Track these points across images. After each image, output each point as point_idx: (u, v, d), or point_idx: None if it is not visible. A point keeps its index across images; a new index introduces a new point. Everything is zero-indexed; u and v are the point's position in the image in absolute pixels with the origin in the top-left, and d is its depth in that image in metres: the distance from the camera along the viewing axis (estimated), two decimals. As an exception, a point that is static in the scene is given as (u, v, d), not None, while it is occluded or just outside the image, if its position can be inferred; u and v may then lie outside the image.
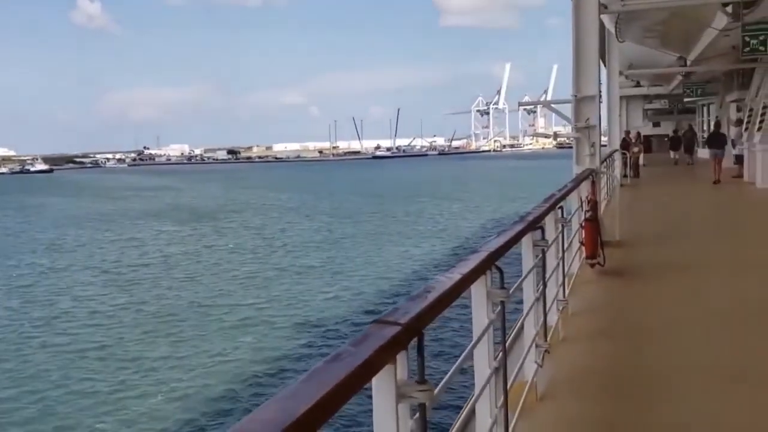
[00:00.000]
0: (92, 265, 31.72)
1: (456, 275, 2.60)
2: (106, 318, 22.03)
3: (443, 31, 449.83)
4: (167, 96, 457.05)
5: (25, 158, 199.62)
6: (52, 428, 14.00)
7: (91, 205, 66.47)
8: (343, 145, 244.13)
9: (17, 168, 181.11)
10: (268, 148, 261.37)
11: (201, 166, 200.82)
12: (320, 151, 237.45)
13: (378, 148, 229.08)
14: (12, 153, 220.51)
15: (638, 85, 39.88)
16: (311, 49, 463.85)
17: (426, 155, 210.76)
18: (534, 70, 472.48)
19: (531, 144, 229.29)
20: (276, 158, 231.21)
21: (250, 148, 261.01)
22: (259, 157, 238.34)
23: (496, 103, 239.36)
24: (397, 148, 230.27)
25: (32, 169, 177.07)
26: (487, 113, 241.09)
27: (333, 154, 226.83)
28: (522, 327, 4.79)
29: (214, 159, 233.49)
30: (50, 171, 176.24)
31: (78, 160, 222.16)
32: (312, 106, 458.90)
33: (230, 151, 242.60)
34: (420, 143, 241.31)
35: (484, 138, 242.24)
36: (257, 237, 39.57)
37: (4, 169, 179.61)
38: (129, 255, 34.25)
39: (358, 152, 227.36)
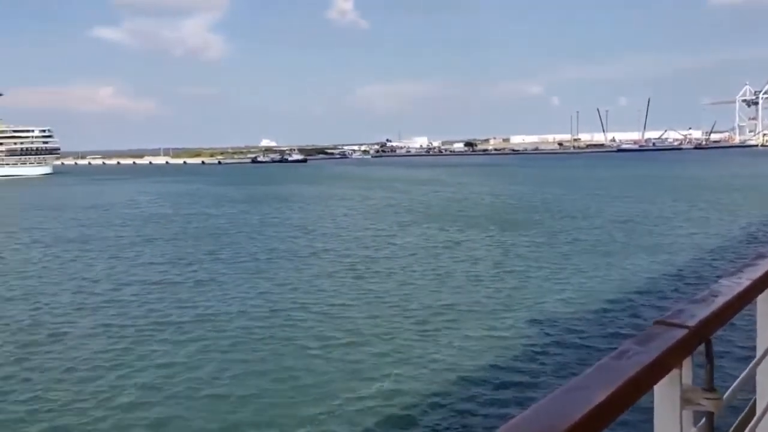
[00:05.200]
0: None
1: (744, 281, 2.39)
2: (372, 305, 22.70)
3: (709, 12, 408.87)
4: (409, 89, 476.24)
5: (284, 149, 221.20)
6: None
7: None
8: (585, 137, 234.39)
9: (278, 157, 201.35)
10: (505, 140, 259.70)
11: (440, 158, 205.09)
12: (560, 143, 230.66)
13: (613, 140, 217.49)
14: (273, 144, 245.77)
15: None
16: (555, 35, 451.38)
17: (680, 149, 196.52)
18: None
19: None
20: (513, 150, 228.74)
21: (486, 140, 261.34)
22: (496, 150, 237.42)
23: (767, 91, 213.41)
24: (646, 140, 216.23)
25: (290, 158, 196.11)
26: (756, 103, 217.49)
27: (573, 147, 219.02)
28: None
29: (450, 151, 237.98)
30: (304, 161, 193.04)
31: (328, 151, 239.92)
32: (552, 96, 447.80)
33: (467, 144, 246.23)
34: (672, 136, 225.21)
35: (750, 131, 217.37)
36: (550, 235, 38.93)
37: (267, 159, 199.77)
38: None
39: (601, 145, 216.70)
